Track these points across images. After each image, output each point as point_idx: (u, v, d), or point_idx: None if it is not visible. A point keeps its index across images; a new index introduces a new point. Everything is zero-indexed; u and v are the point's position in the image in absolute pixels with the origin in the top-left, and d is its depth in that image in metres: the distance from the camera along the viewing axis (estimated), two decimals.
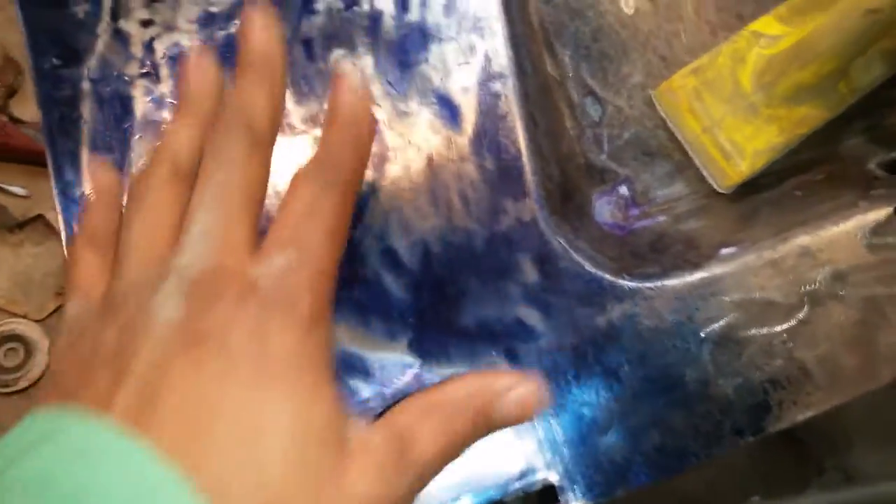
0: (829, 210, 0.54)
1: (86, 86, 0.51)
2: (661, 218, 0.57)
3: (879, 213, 0.53)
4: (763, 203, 0.57)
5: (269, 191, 0.41)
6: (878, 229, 0.53)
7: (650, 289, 0.50)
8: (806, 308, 0.51)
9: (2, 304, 0.99)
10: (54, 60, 0.52)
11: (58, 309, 0.97)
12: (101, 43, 0.52)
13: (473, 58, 0.52)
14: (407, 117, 0.51)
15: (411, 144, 0.51)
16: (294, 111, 0.51)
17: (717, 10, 0.60)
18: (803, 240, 0.52)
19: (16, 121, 1.08)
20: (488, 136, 0.51)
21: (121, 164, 0.50)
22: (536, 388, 0.37)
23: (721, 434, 0.49)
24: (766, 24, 0.57)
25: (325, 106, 0.51)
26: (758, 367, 0.50)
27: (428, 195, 0.50)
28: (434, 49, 0.52)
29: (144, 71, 0.51)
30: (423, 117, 0.51)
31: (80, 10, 0.52)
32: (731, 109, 0.56)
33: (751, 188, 0.58)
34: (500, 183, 0.50)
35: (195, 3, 0.52)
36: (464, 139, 0.51)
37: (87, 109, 0.51)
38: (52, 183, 0.51)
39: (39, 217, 1.01)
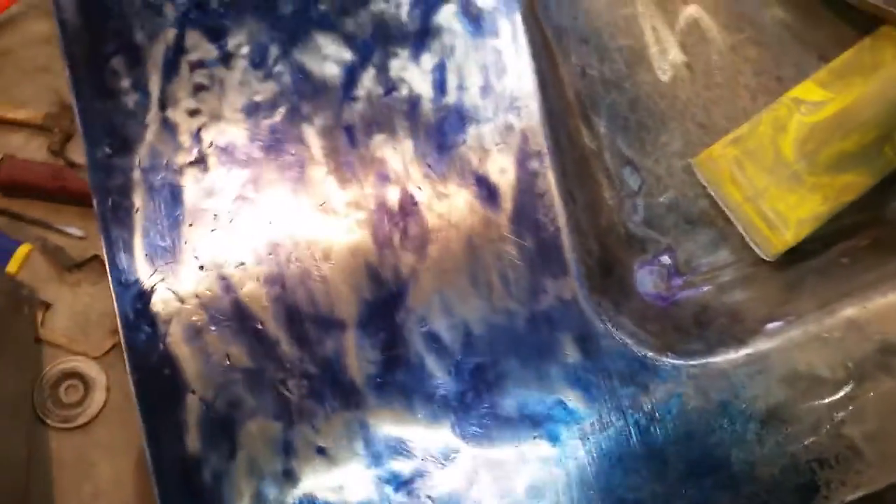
0: (877, 279, 0.53)
1: (137, 175, 0.53)
2: (705, 288, 0.57)
3: None
4: (809, 272, 0.56)
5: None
6: None
7: (694, 366, 0.50)
8: (853, 383, 0.50)
9: (63, 343, 1.03)
10: (107, 149, 0.54)
11: (114, 347, 1.00)
12: (151, 132, 0.54)
13: (511, 137, 0.52)
14: (446, 199, 0.52)
15: (451, 225, 0.51)
16: (336, 196, 0.52)
17: (755, 74, 0.60)
18: (850, 312, 0.51)
19: (72, 165, 1.12)
20: (527, 214, 0.51)
21: (172, 252, 0.52)
22: None
23: None
24: (807, 91, 0.57)
25: (366, 190, 0.53)
26: (805, 445, 0.49)
27: (468, 276, 0.51)
28: (472, 131, 0.52)
29: (193, 160, 0.53)
30: (462, 198, 0.52)
31: (131, 100, 0.54)
32: (774, 179, 0.56)
33: (796, 255, 0.57)
34: (540, 261, 0.51)
35: (240, 92, 0.54)
36: (503, 219, 0.51)
37: (138, 198, 0.53)
38: (108, 271, 0.53)
39: (95, 257, 1.05)
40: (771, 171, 0.56)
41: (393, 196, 0.52)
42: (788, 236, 0.55)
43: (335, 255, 0.51)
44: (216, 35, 0.55)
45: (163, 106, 0.54)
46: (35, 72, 1.09)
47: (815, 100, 0.56)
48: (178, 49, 0.54)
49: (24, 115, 1.07)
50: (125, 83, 0.55)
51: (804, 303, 0.53)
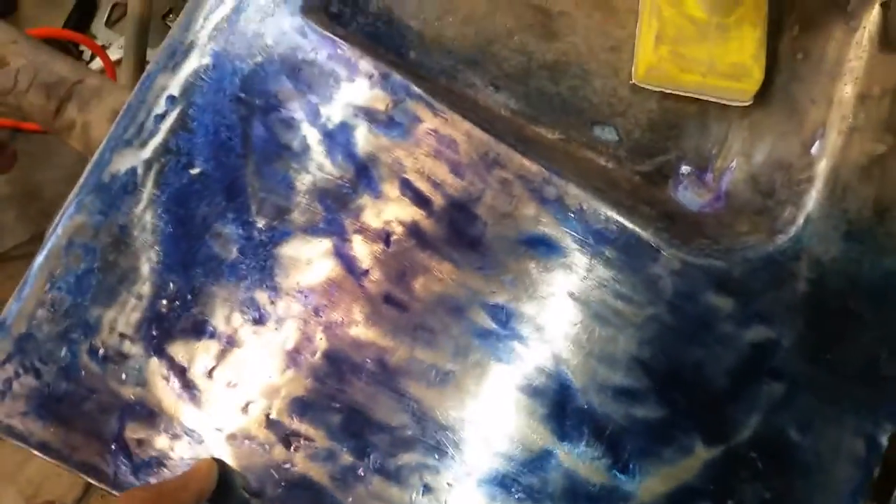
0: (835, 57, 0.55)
1: None
2: (733, 164, 0.58)
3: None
4: (786, 85, 0.59)
5: None
6: None
7: (801, 225, 0.52)
8: None
9: None
10: None
11: None
12: None
13: (512, 189, 0.51)
14: (517, 280, 0.51)
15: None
16: (442, 360, 0.50)
17: None
18: (849, 90, 0.54)
19: None
20: (593, 234, 0.51)
21: None
22: None
23: None
24: None
25: (465, 338, 0.50)
26: None
27: (598, 324, 0.50)
28: (482, 208, 0.51)
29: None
30: (524, 268, 0.51)
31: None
32: (710, 44, 0.57)
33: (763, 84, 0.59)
34: (634, 260, 0.51)
35: (270, 357, 0.50)
36: (583, 260, 0.51)
37: None
38: None
39: None
40: (702, 38, 0.57)
41: (485, 321, 0.50)
42: (756, 73, 0.57)
43: None
44: (198, 329, 0.51)
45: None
46: None
47: None
48: (176, 369, 0.51)
49: None
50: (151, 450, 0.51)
51: (812, 108, 0.55)
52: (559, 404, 0.50)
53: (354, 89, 0.52)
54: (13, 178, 1.23)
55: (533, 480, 0.50)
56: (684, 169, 0.59)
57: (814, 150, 0.54)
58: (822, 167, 0.53)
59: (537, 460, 0.50)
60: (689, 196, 0.58)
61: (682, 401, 0.49)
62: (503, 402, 0.51)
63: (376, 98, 0.52)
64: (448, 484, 0.50)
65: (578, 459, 0.50)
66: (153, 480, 0.52)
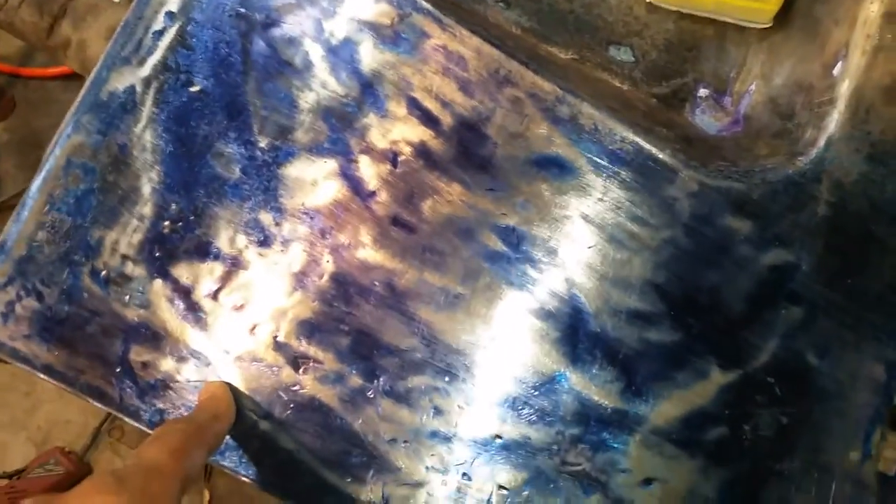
0: None
1: None
2: (751, 87, 0.56)
3: None
4: (809, 6, 0.56)
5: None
6: None
7: (822, 148, 0.50)
8: None
9: None
10: None
11: None
12: None
13: (524, 106, 0.50)
14: (532, 200, 0.49)
15: (566, 216, 0.49)
16: (446, 282, 0.48)
17: None
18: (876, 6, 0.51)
19: None
20: (607, 155, 0.49)
21: None
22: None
23: None
24: None
25: (466, 253, 0.49)
26: None
27: (609, 243, 0.49)
28: (491, 130, 0.50)
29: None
30: (542, 186, 0.49)
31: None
32: None
33: (784, 7, 0.57)
34: (650, 182, 0.49)
35: (276, 277, 0.49)
36: (597, 181, 0.49)
37: None
38: None
39: None
40: None
41: (495, 243, 0.49)
42: None
43: None
44: (202, 250, 0.49)
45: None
46: None
47: None
48: (180, 290, 0.49)
49: None
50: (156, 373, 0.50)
51: (835, 29, 0.53)
52: (572, 328, 0.49)
53: (359, 3, 0.50)
54: (11, 125, 1.21)
55: (544, 403, 0.49)
56: (702, 92, 0.57)
57: (836, 71, 0.52)
58: (844, 88, 0.51)
59: (549, 383, 0.49)
60: (707, 120, 0.57)
61: (698, 325, 0.48)
62: (514, 326, 0.50)
63: (382, 12, 0.50)
64: (459, 406, 0.50)
65: (591, 382, 0.49)
66: (159, 403, 0.51)
